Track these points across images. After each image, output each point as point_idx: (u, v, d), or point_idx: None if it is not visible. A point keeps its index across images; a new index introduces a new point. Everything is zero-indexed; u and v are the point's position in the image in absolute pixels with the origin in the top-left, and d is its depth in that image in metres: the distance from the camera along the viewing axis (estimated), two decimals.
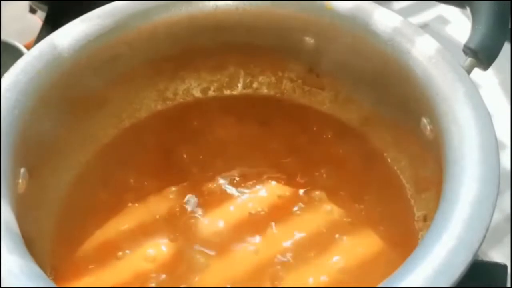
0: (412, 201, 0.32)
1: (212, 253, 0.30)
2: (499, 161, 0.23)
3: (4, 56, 0.43)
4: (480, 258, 0.33)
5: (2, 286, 0.21)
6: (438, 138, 0.27)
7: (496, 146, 0.24)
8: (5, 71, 0.29)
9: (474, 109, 0.25)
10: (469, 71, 0.27)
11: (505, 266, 0.31)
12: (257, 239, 0.31)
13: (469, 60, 0.28)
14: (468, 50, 0.28)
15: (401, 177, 0.33)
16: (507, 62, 0.42)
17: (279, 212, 0.32)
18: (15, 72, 0.29)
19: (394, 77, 0.30)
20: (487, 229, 0.21)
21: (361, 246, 0.30)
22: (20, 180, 0.27)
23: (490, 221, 0.21)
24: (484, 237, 0.21)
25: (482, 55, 0.27)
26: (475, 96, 0.26)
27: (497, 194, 0.22)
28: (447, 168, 0.24)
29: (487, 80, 0.32)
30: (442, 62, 0.27)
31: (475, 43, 0.28)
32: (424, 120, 0.28)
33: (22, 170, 0.28)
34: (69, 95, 0.31)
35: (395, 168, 0.33)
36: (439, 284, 0.19)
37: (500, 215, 0.36)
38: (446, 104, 0.26)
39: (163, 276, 0.29)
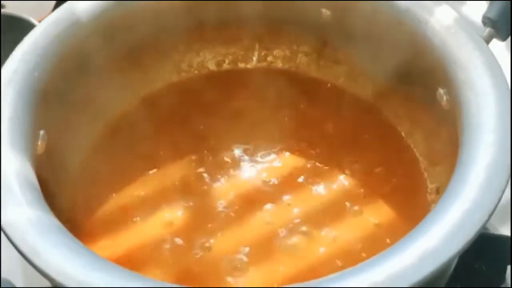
0: (426, 174, 0.32)
1: (225, 220, 0.31)
2: None
3: (18, 31, 0.44)
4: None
5: (22, 237, 0.21)
6: (455, 108, 0.26)
7: None
8: None
9: (493, 77, 0.25)
10: (487, 41, 0.27)
11: None
12: (270, 207, 0.31)
13: (487, 30, 0.28)
14: (487, 20, 0.28)
15: (415, 150, 0.33)
16: None
17: (292, 182, 0.32)
18: (34, 36, 0.29)
19: (411, 48, 0.30)
20: (503, 192, 0.21)
21: (373, 217, 0.31)
22: (39, 142, 0.28)
23: (506, 185, 0.21)
24: (500, 200, 0.21)
25: (501, 25, 0.27)
26: (493, 64, 0.26)
27: None
28: (463, 134, 0.24)
29: (502, 58, 0.31)
30: (460, 31, 0.27)
31: (494, 13, 0.27)
32: (441, 91, 0.28)
33: (41, 132, 0.28)
34: (86, 62, 0.31)
35: (409, 142, 0.33)
36: (454, 244, 0.20)
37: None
38: (464, 73, 0.26)
39: (178, 240, 0.30)
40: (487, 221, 0.20)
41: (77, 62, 0.31)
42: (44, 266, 0.21)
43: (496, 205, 0.21)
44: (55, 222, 0.23)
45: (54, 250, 0.21)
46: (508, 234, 0.33)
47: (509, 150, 0.22)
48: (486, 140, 0.23)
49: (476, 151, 0.22)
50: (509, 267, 0.32)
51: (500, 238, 0.32)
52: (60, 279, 0.20)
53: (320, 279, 0.20)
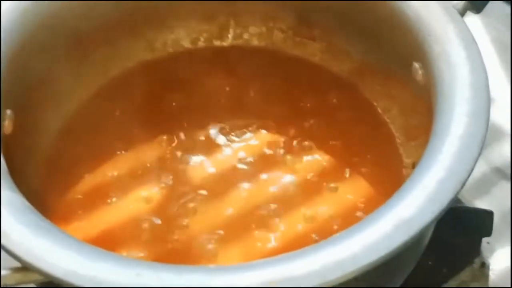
0: (401, 149, 0.32)
1: (202, 198, 0.30)
2: (489, 98, 0.24)
3: None
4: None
5: None
6: (430, 81, 0.27)
7: (487, 84, 0.24)
8: None
9: (466, 49, 0.25)
10: (462, 14, 0.27)
11: (491, 213, 0.32)
12: (247, 185, 0.31)
13: (462, 3, 0.28)
14: None
15: (391, 126, 0.33)
16: (496, 19, 0.42)
17: (268, 160, 0.32)
18: (1, 11, 0.28)
19: (386, 22, 0.30)
20: (476, 161, 0.21)
21: (350, 193, 0.31)
22: (6, 122, 0.27)
23: (479, 154, 0.22)
24: (473, 168, 0.21)
25: None
26: (467, 36, 0.26)
27: (487, 130, 0.22)
28: (438, 106, 0.24)
29: (479, 37, 0.32)
30: (434, 4, 0.27)
31: None
32: (416, 65, 0.28)
33: (8, 111, 0.27)
34: (56, 38, 0.31)
35: (385, 117, 0.34)
36: (429, 212, 0.20)
37: (487, 166, 0.36)
38: (438, 45, 0.26)
39: (154, 219, 0.29)
40: (460, 189, 0.21)
41: (45, 39, 0.30)
42: (15, 247, 0.20)
43: (470, 174, 0.21)
44: (25, 202, 0.22)
45: (25, 229, 0.20)
46: (482, 207, 0.33)
47: (482, 119, 0.22)
48: (460, 110, 0.23)
49: (450, 121, 0.23)
50: (483, 239, 0.33)
51: (474, 211, 0.33)
52: (29, 259, 0.20)
53: (296, 251, 0.20)
